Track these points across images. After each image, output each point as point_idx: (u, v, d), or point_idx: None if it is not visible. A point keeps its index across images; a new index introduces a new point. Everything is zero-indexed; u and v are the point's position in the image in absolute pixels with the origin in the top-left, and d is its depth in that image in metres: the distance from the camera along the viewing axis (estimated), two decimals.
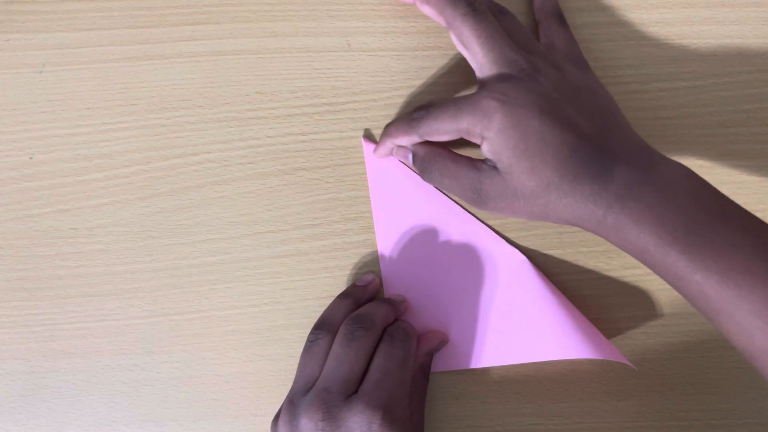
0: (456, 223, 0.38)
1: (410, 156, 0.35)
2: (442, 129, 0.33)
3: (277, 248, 0.38)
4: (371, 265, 0.38)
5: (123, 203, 0.39)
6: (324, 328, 0.35)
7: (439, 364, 0.37)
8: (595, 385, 0.38)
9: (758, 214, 0.38)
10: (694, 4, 0.39)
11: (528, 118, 0.31)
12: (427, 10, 0.35)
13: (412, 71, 0.39)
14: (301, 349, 0.38)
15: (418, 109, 0.34)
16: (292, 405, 0.33)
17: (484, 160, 0.33)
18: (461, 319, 0.37)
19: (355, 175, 0.38)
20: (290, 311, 0.38)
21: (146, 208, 0.39)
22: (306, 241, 0.38)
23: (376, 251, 0.38)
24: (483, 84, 0.33)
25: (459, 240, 0.38)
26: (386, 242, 0.38)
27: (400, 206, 0.38)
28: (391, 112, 0.38)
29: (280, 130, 0.39)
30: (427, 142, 0.35)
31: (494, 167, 0.32)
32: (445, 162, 0.34)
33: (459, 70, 0.39)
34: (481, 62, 0.33)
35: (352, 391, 0.32)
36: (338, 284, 0.38)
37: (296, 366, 0.38)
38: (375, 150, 0.37)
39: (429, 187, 0.38)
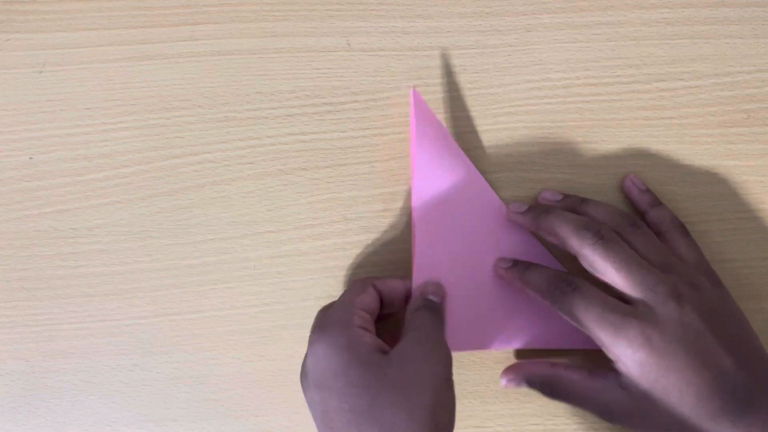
0: (489, 207, 0.37)
1: (524, 384, 0.36)
2: (578, 320, 0.32)
3: (277, 248, 0.38)
4: (371, 265, 0.38)
5: (123, 203, 0.39)
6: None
7: (464, 343, 0.37)
8: None
9: (758, 214, 0.38)
10: (694, 4, 0.39)
11: (672, 356, 0.30)
12: (553, 239, 0.35)
13: (412, 71, 0.39)
14: (300, 349, 0.38)
15: (565, 280, 0.33)
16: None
17: (613, 375, 0.32)
18: (489, 299, 0.37)
19: (355, 175, 0.38)
20: (290, 311, 0.38)
21: (146, 208, 0.39)
22: (306, 241, 0.38)
23: (376, 251, 0.38)
24: (627, 301, 0.32)
25: (490, 222, 0.37)
26: (424, 213, 0.37)
27: (441, 173, 0.37)
28: (391, 112, 0.38)
29: (280, 130, 0.39)
30: (545, 364, 0.35)
31: (621, 387, 0.32)
32: (572, 385, 0.34)
33: (459, 70, 0.39)
34: (621, 286, 0.32)
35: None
36: (338, 284, 0.38)
37: (296, 366, 0.38)
38: (501, 270, 0.36)
39: (468, 163, 0.37)
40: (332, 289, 0.38)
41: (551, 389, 0.35)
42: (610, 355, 0.32)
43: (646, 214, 0.37)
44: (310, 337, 0.32)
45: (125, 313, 0.38)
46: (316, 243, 0.38)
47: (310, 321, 0.37)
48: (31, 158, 0.39)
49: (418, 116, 0.36)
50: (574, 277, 0.33)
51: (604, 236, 0.33)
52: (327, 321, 0.32)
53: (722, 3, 0.38)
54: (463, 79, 0.39)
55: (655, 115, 0.38)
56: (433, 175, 0.37)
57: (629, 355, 0.31)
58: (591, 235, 0.33)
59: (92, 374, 0.38)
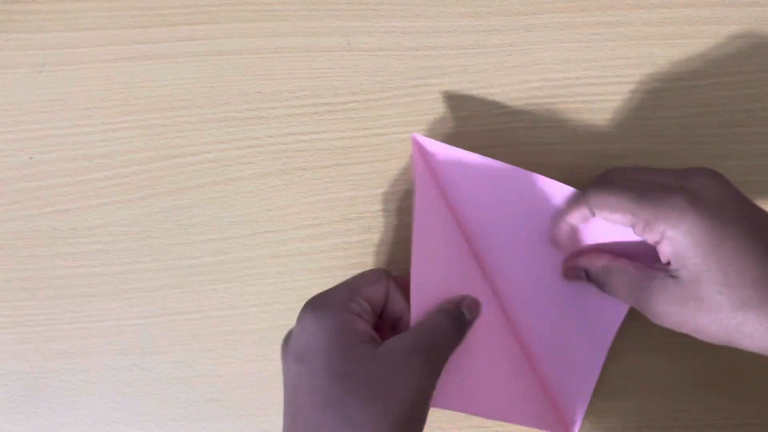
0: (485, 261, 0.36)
1: (583, 274, 0.34)
2: (617, 207, 0.30)
3: (277, 248, 0.38)
4: (371, 265, 0.38)
5: (123, 203, 0.39)
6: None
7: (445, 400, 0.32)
8: (595, 385, 0.38)
9: None
10: (694, 4, 0.39)
11: (726, 221, 0.28)
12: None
13: (412, 71, 0.39)
14: None
15: (599, 180, 0.32)
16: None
17: (660, 268, 0.30)
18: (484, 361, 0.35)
19: (355, 175, 0.38)
20: (290, 311, 0.38)
21: (146, 208, 0.39)
22: (306, 241, 0.38)
23: (376, 251, 0.38)
24: (665, 187, 0.30)
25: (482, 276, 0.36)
26: (422, 255, 0.33)
27: (437, 223, 0.35)
28: (391, 112, 0.38)
29: (280, 130, 0.39)
30: (600, 255, 0.33)
31: (672, 276, 0.29)
32: (620, 275, 0.32)
33: (459, 70, 0.39)
34: (655, 179, 0.30)
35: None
36: None
37: None
38: (555, 226, 0.35)
39: (472, 210, 0.36)
40: None
41: (605, 281, 0.32)
42: (656, 235, 0.29)
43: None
44: (303, 307, 0.31)
45: (125, 313, 0.38)
46: (316, 243, 0.38)
47: None
48: (31, 158, 0.39)
49: (419, 165, 0.35)
50: (610, 173, 0.32)
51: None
52: (325, 298, 0.31)
53: (722, 3, 0.38)
54: (463, 79, 0.38)
55: (655, 115, 0.38)
56: (432, 231, 0.34)
57: (676, 223, 0.28)
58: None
59: (92, 374, 0.38)
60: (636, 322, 0.38)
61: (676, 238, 0.29)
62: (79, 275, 0.38)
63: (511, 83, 0.39)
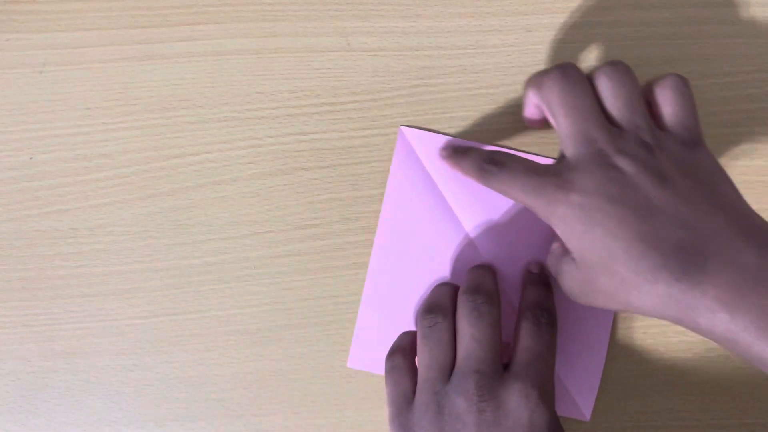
0: (455, 246, 0.37)
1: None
2: (509, 195, 0.31)
3: (277, 248, 0.38)
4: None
5: (123, 203, 0.39)
6: (437, 311, 0.34)
7: None
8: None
9: (759, 214, 0.38)
10: (694, 4, 0.39)
11: (592, 209, 0.28)
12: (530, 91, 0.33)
13: (412, 71, 0.39)
14: (300, 349, 0.38)
15: (492, 160, 0.32)
16: (435, 394, 0.32)
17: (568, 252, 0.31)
18: None
19: (355, 175, 0.38)
20: (290, 311, 0.38)
21: (146, 208, 0.39)
22: (306, 241, 0.38)
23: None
24: (560, 158, 0.31)
25: (453, 263, 0.37)
26: (385, 241, 0.38)
27: (412, 211, 0.38)
28: (391, 112, 0.38)
29: (280, 130, 0.39)
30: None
31: (572, 258, 0.30)
32: (549, 257, 0.33)
33: (459, 70, 0.39)
34: (562, 134, 0.31)
35: (500, 369, 0.32)
36: (338, 284, 0.38)
37: (296, 366, 0.38)
38: (444, 153, 0.36)
39: (444, 204, 0.38)
40: (332, 289, 0.38)
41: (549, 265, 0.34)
42: (544, 220, 0.30)
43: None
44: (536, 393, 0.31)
45: (125, 313, 0.38)
46: (316, 243, 0.38)
47: (310, 321, 0.37)
48: (31, 158, 0.39)
49: (399, 156, 0.37)
50: (502, 154, 0.32)
51: (568, 74, 0.31)
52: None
53: (722, 3, 0.39)
54: (463, 79, 0.39)
55: None
56: (400, 222, 0.38)
57: (552, 212, 0.29)
58: (555, 70, 0.31)
59: (92, 374, 0.38)
60: (634, 322, 0.38)
61: (554, 224, 0.30)
62: (79, 275, 0.39)
63: (511, 83, 0.39)
